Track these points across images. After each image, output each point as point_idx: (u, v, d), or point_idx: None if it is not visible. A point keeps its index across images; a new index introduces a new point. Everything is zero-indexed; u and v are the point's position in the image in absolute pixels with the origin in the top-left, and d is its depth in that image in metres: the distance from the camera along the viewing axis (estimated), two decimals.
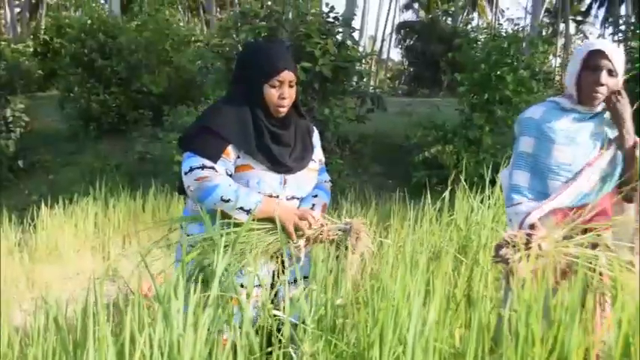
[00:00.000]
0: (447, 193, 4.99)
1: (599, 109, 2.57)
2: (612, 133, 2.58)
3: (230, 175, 2.44)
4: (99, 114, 12.53)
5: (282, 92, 2.45)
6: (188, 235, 2.46)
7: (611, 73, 2.49)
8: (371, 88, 11.88)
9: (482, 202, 4.88)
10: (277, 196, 2.48)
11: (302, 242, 2.46)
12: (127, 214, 7.25)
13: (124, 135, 12.55)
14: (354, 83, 10.89)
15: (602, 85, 2.49)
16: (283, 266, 2.43)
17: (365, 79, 11.27)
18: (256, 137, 2.45)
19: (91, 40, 12.52)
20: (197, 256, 2.31)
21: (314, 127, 2.76)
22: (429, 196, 5.05)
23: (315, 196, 2.65)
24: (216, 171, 2.39)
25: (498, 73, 9.35)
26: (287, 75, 2.46)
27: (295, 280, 2.41)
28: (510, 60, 9.56)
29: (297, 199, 2.58)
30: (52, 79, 17.49)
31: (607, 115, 2.58)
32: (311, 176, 2.63)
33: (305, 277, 2.47)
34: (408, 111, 13.33)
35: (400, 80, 33.99)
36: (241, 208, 2.36)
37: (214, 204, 2.35)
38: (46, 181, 11.06)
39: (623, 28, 12.75)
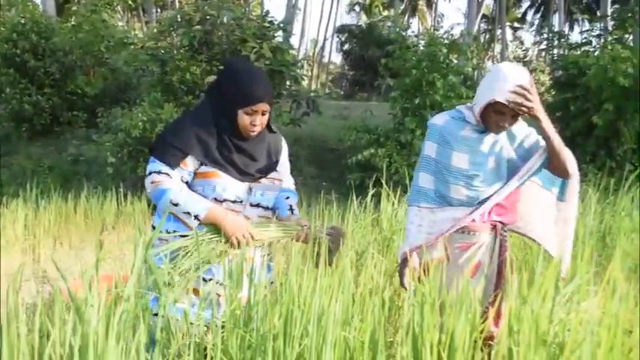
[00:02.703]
0: (369, 197, 5.18)
1: None
2: (510, 138, 2.71)
3: (187, 183, 2.59)
4: (31, 115, 12.32)
5: (254, 120, 2.57)
6: (160, 232, 2.59)
7: (516, 115, 2.55)
8: (312, 93, 11.98)
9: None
10: (241, 202, 2.62)
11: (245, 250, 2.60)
12: (58, 216, 7.20)
13: (58, 137, 12.39)
14: (290, 87, 11.00)
15: (505, 127, 2.59)
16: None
17: (300, 83, 11.39)
18: (220, 150, 2.59)
19: (24, 41, 12.31)
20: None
21: (282, 140, 2.88)
22: (354, 197, 5.23)
23: (287, 197, 2.85)
24: (171, 177, 2.55)
25: (429, 78, 9.60)
26: (262, 106, 2.57)
27: None
28: (443, 65, 9.83)
29: (263, 207, 2.71)
30: None
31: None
32: (275, 185, 2.76)
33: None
34: (344, 115, 13.53)
35: (340, 84, 34.28)
36: (189, 213, 2.52)
37: (165, 206, 2.53)
38: None
39: (549, 36, 13.28)
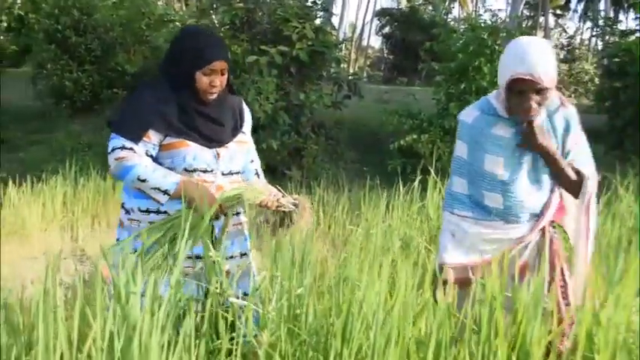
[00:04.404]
0: (416, 183, 4.99)
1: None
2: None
3: (152, 156, 2.53)
4: (72, 92, 12.30)
5: (213, 80, 2.52)
6: (127, 212, 2.59)
7: (541, 90, 2.31)
8: (349, 76, 11.78)
9: None
10: (212, 171, 2.57)
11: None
12: (97, 194, 7.12)
13: (97, 114, 12.36)
14: (331, 69, 10.80)
15: (532, 108, 2.33)
16: (213, 243, 2.51)
17: (342, 65, 11.19)
18: (183, 119, 2.52)
19: (65, 17, 12.27)
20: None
21: (243, 102, 2.82)
22: (400, 184, 5.05)
23: (252, 161, 2.83)
24: (135, 152, 2.49)
25: (475, 63, 9.32)
26: (220, 64, 2.53)
27: (231, 257, 2.60)
28: (488, 51, 9.53)
29: (235, 173, 2.67)
30: (25, 55, 17.18)
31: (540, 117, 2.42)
32: (242, 149, 2.72)
33: (244, 254, 2.68)
34: (385, 99, 13.30)
35: (379, 67, 33.94)
36: (158, 189, 2.47)
37: (132, 182, 2.49)
38: (15, 159, 10.84)
39: (601, 23, 12.86)
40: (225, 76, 2.58)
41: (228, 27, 9.68)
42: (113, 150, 2.49)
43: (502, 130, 2.43)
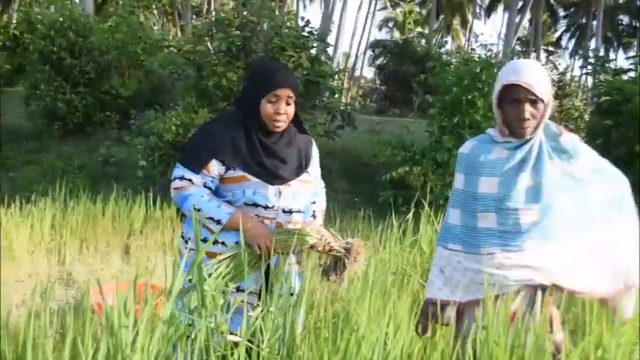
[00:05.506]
0: (410, 215, 4.95)
1: (528, 137, 2.36)
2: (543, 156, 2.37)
3: (210, 189, 2.56)
4: (64, 113, 12.27)
5: (278, 108, 2.52)
6: (186, 242, 2.61)
7: (534, 102, 2.29)
8: (342, 105, 11.82)
9: None
10: (272, 207, 2.55)
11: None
12: (86, 218, 7.04)
13: (89, 136, 12.33)
14: (325, 99, 10.83)
15: (527, 119, 2.29)
16: (267, 277, 2.50)
17: (336, 95, 11.22)
18: (249, 152, 2.54)
19: (61, 38, 12.28)
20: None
21: (313, 141, 2.81)
22: (394, 217, 5.02)
23: (314, 202, 2.75)
24: (193, 183, 2.53)
25: (469, 97, 9.35)
26: (284, 91, 2.53)
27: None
28: (481, 85, 9.57)
29: (295, 212, 2.62)
30: (19, 75, 17.16)
31: (538, 138, 2.37)
32: (306, 188, 2.68)
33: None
34: (378, 129, 13.32)
35: (371, 98, 34.09)
36: (211, 219, 2.49)
37: (189, 211, 2.50)
38: (5, 179, 10.77)
39: (592, 61, 12.98)
40: (292, 107, 2.57)
41: (223, 54, 9.70)
42: (174, 179, 2.57)
43: (499, 153, 2.39)
